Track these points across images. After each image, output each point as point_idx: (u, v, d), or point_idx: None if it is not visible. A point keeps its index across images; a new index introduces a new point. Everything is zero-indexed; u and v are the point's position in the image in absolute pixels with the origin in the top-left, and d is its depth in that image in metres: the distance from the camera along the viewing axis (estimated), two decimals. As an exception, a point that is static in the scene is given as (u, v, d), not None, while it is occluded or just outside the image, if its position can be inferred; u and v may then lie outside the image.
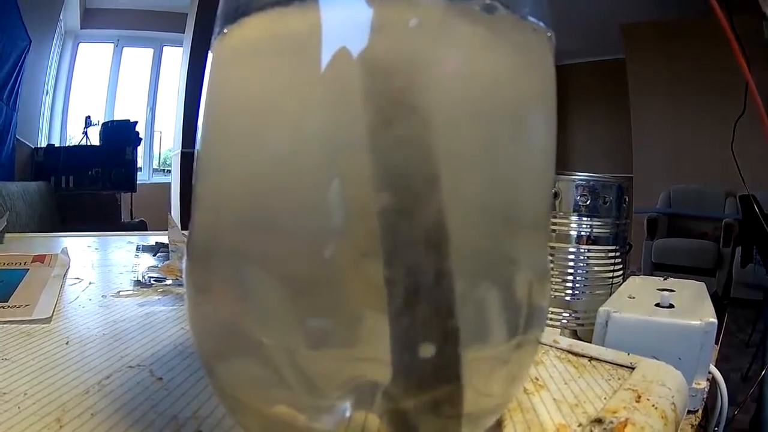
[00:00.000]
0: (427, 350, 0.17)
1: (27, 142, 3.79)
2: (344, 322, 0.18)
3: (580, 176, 0.59)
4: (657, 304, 0.49)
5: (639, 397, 0.29)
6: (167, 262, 0.58)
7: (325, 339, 0.18)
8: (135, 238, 0.90)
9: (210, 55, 0.22)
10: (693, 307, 0.49)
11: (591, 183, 0.59)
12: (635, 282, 0.61)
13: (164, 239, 0.74)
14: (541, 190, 0.22)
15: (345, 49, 0.17)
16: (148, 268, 0.57)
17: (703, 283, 0.62)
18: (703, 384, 0.46)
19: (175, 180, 3.74)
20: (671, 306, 0.49)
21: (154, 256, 0.72)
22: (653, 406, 0.28)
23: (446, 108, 0.18)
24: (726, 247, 3.95)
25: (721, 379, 0.49)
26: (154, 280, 0.54)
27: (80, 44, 4.61)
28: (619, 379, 0.33)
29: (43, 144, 4.11)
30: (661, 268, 4.05)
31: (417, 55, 0.17)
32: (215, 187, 0.21)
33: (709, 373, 0.48)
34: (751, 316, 2.93)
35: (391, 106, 0.17)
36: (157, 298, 0.49)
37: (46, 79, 4.20)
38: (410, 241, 0.17)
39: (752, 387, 1.51)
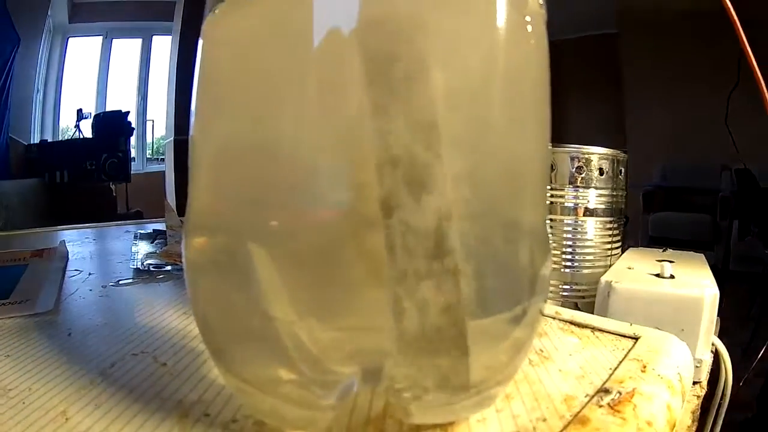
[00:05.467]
0: (432, 320, 0.17)
1: (20, 140, 3.77)
2: (347, 294, 0.18)
3: (575, 148, 0.59)
4: (657, 275, 0.49)
5: (644, 367, 0.29)
6: (165, 247, 0.58)
7: (329, 311, 0.18)
8: (132, 227, 0.90)
9: (201, 36, 0.22)
10: (694, 278, 0.49)
11: (586, 154, 0.59)
12: (634, 254, 0.61)
13: (161, 227, 0.73)
14: (540, 155, 0.21)
15: (340, 19, 0.17)
16: (147, 255, 0.56)
17: (702, 255, 0.62)
18: (707, 355, 0.46)
19: (169, 168, 3.71)
20: (672, 277, 0.48)
21: (151, 243, 0.71)
22: (659, 375, 0.28)
23: (444, 74, 0.17)
24: (723, 220, 3.95)
25: (725, 350, 0.49)
26: (153, 267, 0.54)
27: (69, 39, 4.57)
28: (623, 349, 0.33)
29: (36, 140, 4.09)
30: (658, 241, 4.04)
31: (412, 23, 0.17)
32: (212, 167, 0.21)
33: (712, 344, 0.48)
34: (750, 289, 2.94)
35: (388, 73, 0.17)
36: (156, 284, 0.49)
37: (37, 75, 4.16)
38: (412, 209, 0.17)
39: (754, 361, 1.52)
